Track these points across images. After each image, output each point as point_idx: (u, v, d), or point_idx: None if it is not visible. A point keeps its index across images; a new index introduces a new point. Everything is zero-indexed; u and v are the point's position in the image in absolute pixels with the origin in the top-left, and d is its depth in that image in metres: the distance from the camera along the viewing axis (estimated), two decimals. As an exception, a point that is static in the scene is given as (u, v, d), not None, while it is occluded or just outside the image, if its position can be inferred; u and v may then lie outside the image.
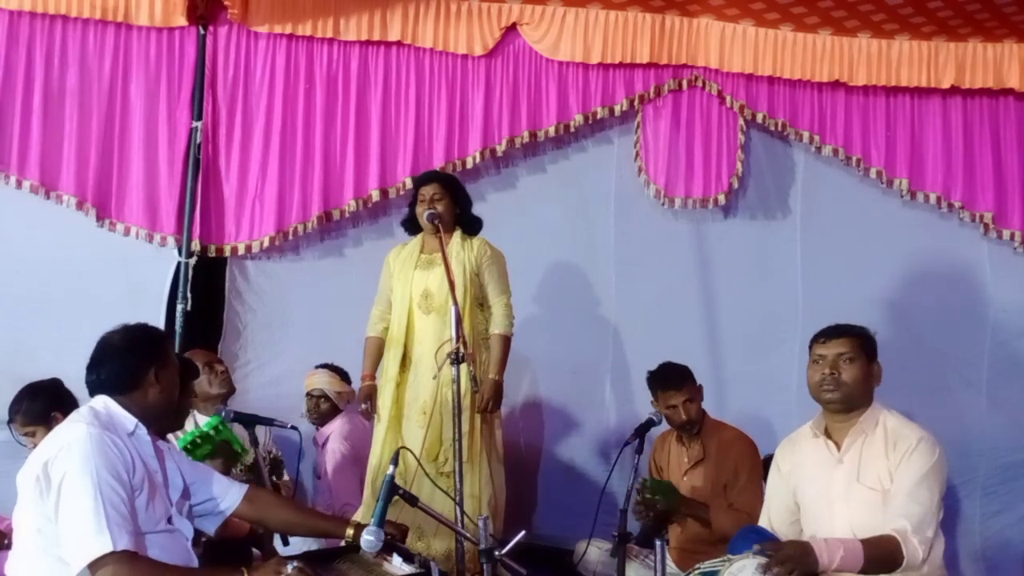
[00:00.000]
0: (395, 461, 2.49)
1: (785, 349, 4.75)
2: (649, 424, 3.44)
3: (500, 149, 4.84)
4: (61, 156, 4.57)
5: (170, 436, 3.24)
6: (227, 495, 2.55)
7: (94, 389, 2.39)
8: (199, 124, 4.68)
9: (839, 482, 2.67)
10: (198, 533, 2.49)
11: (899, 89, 4.86)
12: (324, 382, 4.40)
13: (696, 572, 2.48)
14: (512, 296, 3.98)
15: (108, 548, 2.09)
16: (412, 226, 4.06)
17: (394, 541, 2.43)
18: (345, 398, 4.42)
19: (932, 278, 4.86)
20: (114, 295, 4.54)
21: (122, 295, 4.57)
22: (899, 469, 2.58)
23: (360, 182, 4.77)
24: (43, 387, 3.35)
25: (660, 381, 3.77)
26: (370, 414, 3.97)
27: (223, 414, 3.30)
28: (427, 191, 3.93)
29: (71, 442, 2.19)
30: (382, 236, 4.79)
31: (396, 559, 2.42)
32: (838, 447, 2.72)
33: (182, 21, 4.59)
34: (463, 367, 3.50)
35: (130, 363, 2.36)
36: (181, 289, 4.58)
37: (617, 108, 4.88)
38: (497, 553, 2.45)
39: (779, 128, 4.92)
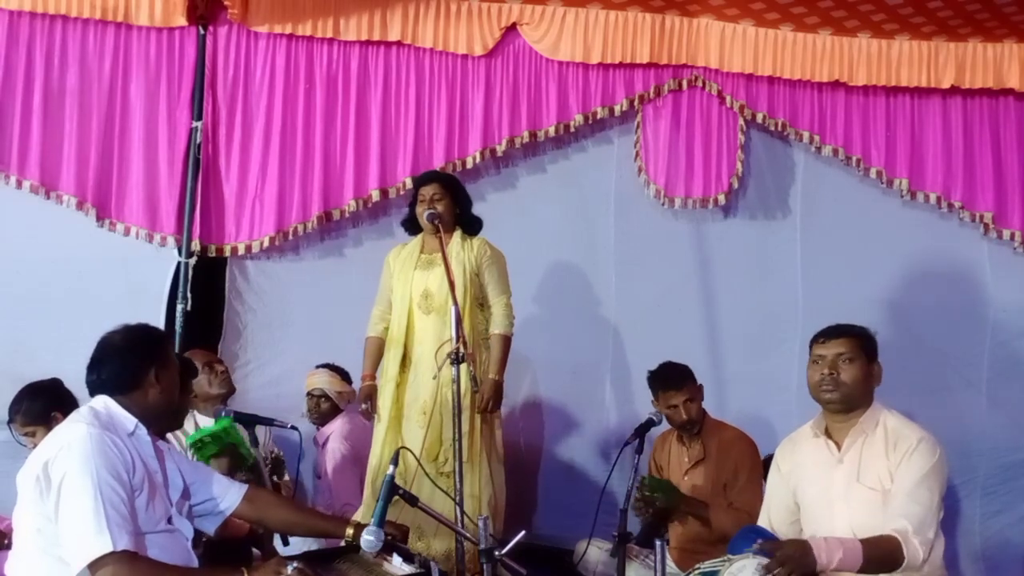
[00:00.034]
0: (395, 461, 2.49)
1: (785, 349, 4.75)
2: (649, 424, 3.45)
3: (500, 149, 4.84)
4: (61, 156, 4.57)
5: (173, 435, 3.25)
6: (227, 495, 2.55)
7: (94, 389, 2.38)
8: (199, 124, 4.68)
9: (839, 482, 2.67)
10: (198, 533, 2.49)
11: (899, 89, 4.86)
12: (324, 382, 4.40)
13: (696, 572, 2.48)
14: (512, 296, 3.98)
15: (108, 548, 2.09)
16: (412, 226, 4.06)
17: (395, 541, 2.43)
18: (346, 398, 4.42)
19: (932, 278, 4.86)
20: (114, 295, 4.54)
21: (122, 295, 4.57)
22: (899, 469, 2.58)
23: (360, 182, 4.77)
24: (43, 387, 3.35)
25: (661, 381, 3.77)
26: (370, 414, 3.97)
27: (223, 414, 3.30)
28: (427, 191, 3.93)
29: (71, 442, 2.19)
30: (382, 236, 4.79)
31: (396, 559, 2.41)
32: (838, 447, 2.72)
33: (182, 21, 4.59)
34: (463, 367, 3.50)
35: (130, 363, 2.36)
36: (181, 289, 4.58)
37: (617, 108, 4.88)
38: (497, 553, 2.44)
39: (779, 128, 4.92)
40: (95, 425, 2.24)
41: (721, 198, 4.89)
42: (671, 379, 3.75)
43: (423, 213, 3.86)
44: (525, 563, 2.49)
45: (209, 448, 3.19)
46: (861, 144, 4.89)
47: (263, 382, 4.74)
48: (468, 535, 2.92)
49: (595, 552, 3.71)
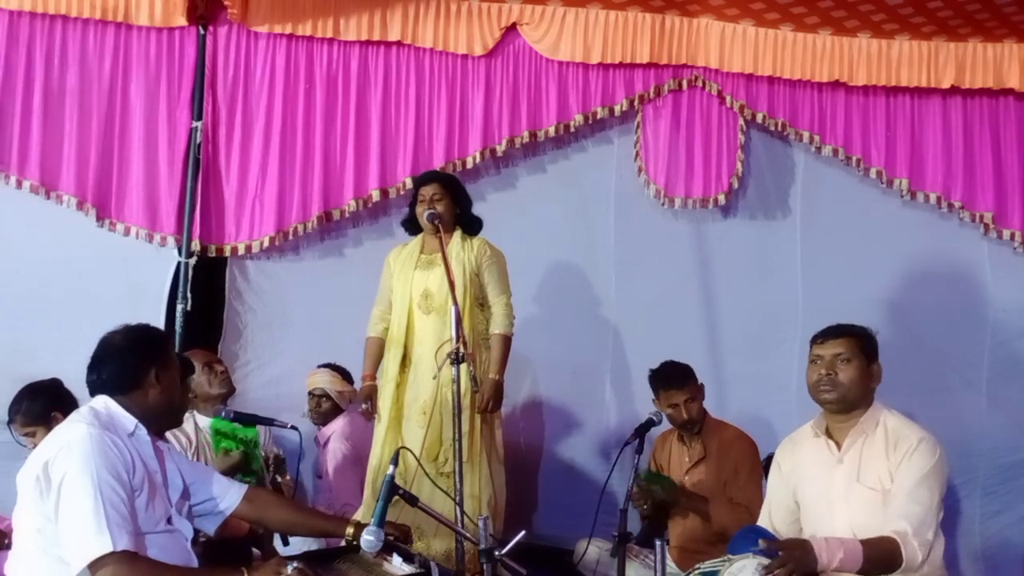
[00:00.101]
0: (395, 461, 2.49)
1: (785, 349, 4.75)
2: (649, 424, 3.45)
3: (500, 149, 4.84)
4: (61, 156, 4.57)
5: (172, 435, 3.25)
6: (227, 495, 2.55)
7: (94, 389, 2.38)
8: (199, 124, 4.68)
9: (839, 482, 2.67)
10: (195, 533, 2.49)
11: (899, 89, 4.86)
12: (325, 381, 4.41)
13: (696, 572, 2.48)
14: (512, 296, 3.98)
15: (108, 548, 2.09)
16: (412, 226, 4.06)
17: (396, 542, 2.43)
18: (346, 397, 4.42)
19: (932, 278, 4.86)
20: (114, 295, 4.54)
21: (122, 295, 4.57)
22: (899, 469, 2.58)
23: (360, 182, 4.77)
24: (43, 387, 3.35)
25: (662, 380, 3.77)
26: (370, 414, 3.97)
27: (223, 414, 3.30)
28: (427, 191, 3.93)
29: (71, 442, 2.19)
30: (382, 236, 4.79)
31: (396, 559, 2.42)
32: (838, 447, 2.72)
33: (182, 21, 4.58)
34: (463, 367, 3.50)
35: (131, 363, 2.37)
36: (181, 289, 4.58)
37: (617, 108, 4.88)
38: (497, 553, 2.44)
39: (779, 128, 4.92)
40: (95, 425, 2.24)
41: (721, 198, 4.89)
42: (672, 378, 3.75)
43: (423, 213, 3.86)
44: (525, 563, 2.49)
45: (226, 442, 3.20)
46: (861, 144, 4.89)
47: (263, 382, 4.74)
48: (468, 535, 2.92)
49: (595, 552, 3.70)
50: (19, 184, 4.53)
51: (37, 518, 2.19)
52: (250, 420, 3.35)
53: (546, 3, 4.75)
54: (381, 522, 2.29)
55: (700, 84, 4.92)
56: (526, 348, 4.43)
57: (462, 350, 3.45)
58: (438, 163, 4.76)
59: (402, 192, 4.75)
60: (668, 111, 4.93)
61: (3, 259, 4.54)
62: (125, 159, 4.65)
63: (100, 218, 4.60)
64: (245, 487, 2.60)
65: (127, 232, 4.64)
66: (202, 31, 4.68)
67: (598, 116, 4.89)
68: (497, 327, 3.90)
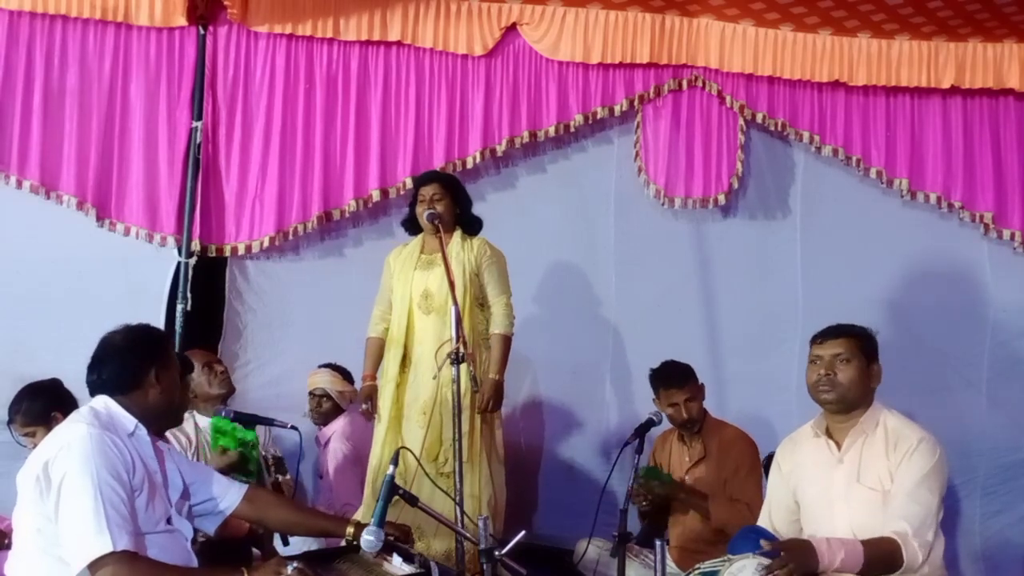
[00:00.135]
0: (395, 461, 2.49)
1: (785, 349, 4.75)
2: (649, 424, 3.45)
3: (500, 149, 4.84)
4: (61, 156, 4.57)
5: (172, 435, 3.25)
6: (226, 495, 2.55)
7: (94, 389, 2.38)
8: (199, 124, 4.68)
9: (839, 482, 2.67)
10: (195, 533, 2.49)
11: (899, 89, 4.86)
12: (326, 381, 4.41)
13: (696, 572, 2.48)
14: (512, 296, 3.98)
15: (108, 548, 2.09)
16: (412, 226, 4.06)
17: (396, 542, 2.43)
18: (347, 397, 4.42)
19: (932, 278, 4.86)
20: (114, 295, 4.54)
21: (122, 295, 4.57)
22: (899, 469, 2.58)
23: (360, 182, 4.77)
24: (43, 387, 3.35)
25: (662, 379, 3.78)
26: (371, 414, 3.97)
27: (223, 414, 3.30)
28: (427, 191, 3.93)
29: (71, 442, 2.19)
30: (382, 236, 4.79)
31: (396, 559, 2.41)
32: (838, 447, 2.72)
33: (182, 21, 4.58)
34: (463, 367, 3.50)
35: (131, 363, 2.36)
36: (181, 289, 4.58)
37: (617, 108, 4.88)
38: (497, 553, 2.44)
39: (779, 128, 4.92)
40: (95, 425, 2.24)
41: (721, 198, 4.89)
42: (673, 377, 3.76)
43: (423, 213, 3.86)
44: (525, 563, 2.49)
45: (224, 440, 3.20)
46: (861, 144, 4.89)
47: (263, 382, 4.74)
48: (468, 535, 2.92)
49: (595, 552, 3.71)
50: (19, 184, 4.53)
51: (37, 518, 2.19)
52: (250, 420, 3.35)
53: (546, 3, 4.75)
54: (381, 522, 2.29)
55: (700, 84, 4.92)
56: (526, 348, 4.43)
57: (462, 350, 3.45)
58: (438, 163, 4.76)
59: (402, 192, 4.75)
60: (668, 111, 4.93)
61: (3, 259, 4.54)
62: (125, 159, 4.65)
63: (100, 218, 4.60)
64: (245, 487, 2.60)
65: (127, 232, 4.64)
66: (202, 31, 4.68)
67: (598, 116, 4.89)
68: (497, 327, 3.90)
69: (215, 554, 2.70)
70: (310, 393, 4.44)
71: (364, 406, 3.99)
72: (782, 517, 2.85)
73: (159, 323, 4.37)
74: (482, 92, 4.82)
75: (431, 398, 3.81)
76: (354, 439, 4.28)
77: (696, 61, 4.85)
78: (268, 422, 3.46)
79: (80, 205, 4.56)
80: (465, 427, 3.60)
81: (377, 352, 4.01)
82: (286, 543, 3.13)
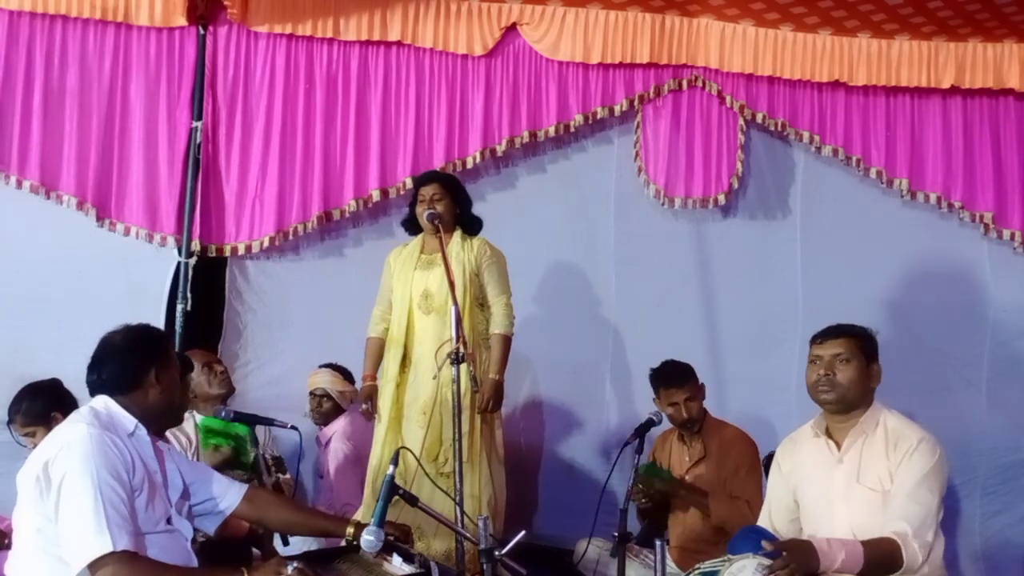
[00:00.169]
0: (395, 461, 2.49)
1: (785, 349, 4.75)
2: (649, 424, 3.44)
3: (500, 149, 4.84)
4: (61, 156, 4.57)
5: (172, 435, 3.26)
6: (227, 495, 2.55)
7: (94, 389, 2.38)
8: (199, 124, 4.68)
9: (839, 482, 2.67)
10: (195, 533, 2.49)
11: (899, 89, 4.86)
12: (326, 381, 4.41)
13: (696, 572, 2.48)
14: (512, 296, 3.98)
15: (108, 548, 2.09)
16: (412, 226, 4.06)
17: (397, 542, 2.43)
18: (348, 397, 4.42)
19: (932, 278, 4.86)
20: (114, 295, 4.54)
21: (122, 295, 4.57)
22: (899, 469, 2.58)
23: (360, 182, 4.77)
24: (43, 387, 3.35)
25: (663, 378, 3.78)
26: (371, 414, 3.97)
27: (223, 414, 3.30)
28: (427, 191, 3.93)
29: (71, 442, 2.19)
30: (382, 236, 4.79)
31: (396, 559, 2.41)
32: (838, 447, 2.72)
33: (182, 21, 4.58)
34: (463, 367, 3.50)
35: (130, 363, 2.36)
36: (181, 289, 4.58)
37: (617, 108, 4.88)
38: (497, 553, 2.44)
39: (779, 128, 4.92)
40: (95, 425, 2.24)
41: (721, 198, 4.89)
42: (673, 376, 3.76)
43: (423, 213, 3.86)
44: (525, 563, 2.49)
45: (217, 439, 3.20)
46: (861, 144, 4.89)
47: (263, 382, 4.74)
48: (468, 535, 2.92)
49: (595, 552, 3.71)
50: (19, 184, 4.53)
51: (37, 518, 2.19)
52: (250, 420, 3.34)
53: (546, 3, 4.75)
54: (381, 522, 2.29)
55: (700, 84, 4.92)
56: (526, 348, 4.43)
57: (462, 350, 3.45)
58: (438, 163, 4.76)
59: (402, 192, 4.75)
60: (668, 111, 4.93)
61: (3, 259, 4.54)
62: (125, 159, 4.65)
63: (100, 218, 4.60)
64: (245, 487, 2.60)
65: (127, 232, 4.64)
66: (202, 31, 4.68)
67: (598, 116, 4.89)
68: (497, 327, 3.90)
69: (215, 554, 2.70)
70: (310, 393, 4.44)
71: (364, 406, 3.99)
72: (782, 517, 2.85)
73: (159, 323, 4.37)
74: (482, 92, 4.82)
75: (431, 398, 3.81)
76: (355, 439, 4.28)
77: (696, 61, 4.85)
78: (268, 422, 3.45)
79: (80, 205, 4.56)
80: (465, 427, 3.60)
81: (377, 352, 4.01)
82: (286, 543, 3.12)
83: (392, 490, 2.40)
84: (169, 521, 2.34)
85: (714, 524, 3.55)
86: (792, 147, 5.01)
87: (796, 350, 4.51)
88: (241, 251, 4.74)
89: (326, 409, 4.41)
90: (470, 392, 3.73)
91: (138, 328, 2.46)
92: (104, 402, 2.35)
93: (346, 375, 4.44)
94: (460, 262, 3.87)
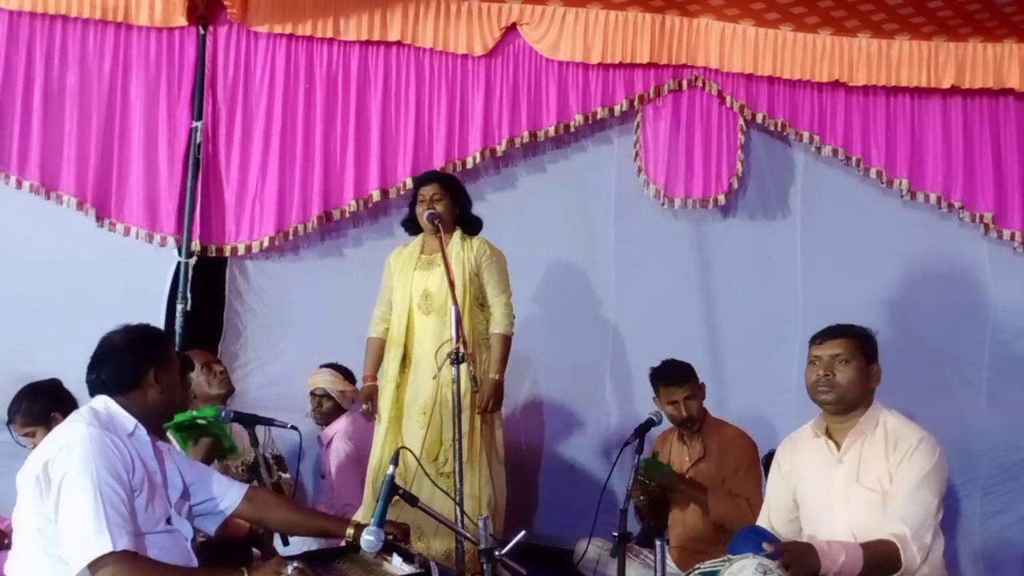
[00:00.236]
0: (395, 461, 2.49)
1: (785, 349, 4.75)
2: (649, 424, 3.44)
3: (500, 149, 4.84)
4: (61, 156, 4.57)
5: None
6: (227, 495, 2.55)
7: (94, 389, 2.39)
8: (199, 124, 4.68)
9: (839, 482, 2.67)
10: (195, 532, 2.49)
11: (899, 89, 4.86)
12: (326, 381, 4.41)
13: (696, 572, 2.47)
14: (512, 296, 3.97)
15: (108, 548, 2.09)
16: (412, 226, 4.06)
17: (395, 541, 2.43)
18: (348, 397, 4.42)
19: (932, 278, 4.86)
20: (114, 295, 4.54)
21: (122, 295, 4.57)
22: (899, 470, 2.58)
23: (360, 182, 4.77)
24: (43, 387, 3.35)
25: (662, 377, 3.79)
26: (371, 415, 3.97)
27: (223, 414, 3.30)
28: (427, 191, 3.93)
29: (71, 442, 2.19)
30: (382, 236, 4.79)
31: (396, 559, 2.42)
32: (838, 447, 2.72)
33: (182, 21, 4.58)
34: (463, 367, 3.50)
35: (130, 363, 2.36)
36: (181, 289, 4.58)
37: (617, 108, 4.88)
38: (497, 553, 2.44)
39: (779, 128, 4.92)
40: (95, 425, 2.24)
41: (721, 198, 4.89)
42: (673, 375, 3.76)
43: (423, 213, 3.86)
44: (525, 563, 2.49)
45: (186, 432, 3.17)
46: (861, 144, 4.89)
47: (263, 382, 4.74)
48: (468, 535, 2.92)
49: (595, 552, 3.71)
50: (19, 184, 4.53)
51: (37, 518, 2.20)
52: (250, 420, 3.34)
53: (546, 3, 4.75)
54: (381, 522, 2.29)
55: (700, 84, 4.92)
56: (526, 348, 4.43)
57: (462, 350, 3.45)
58: (438, 163, 4.76)
59: (402, 192, 4.75)
60: (668, 111, 4.93)
61: (3, 259, 4.54)
62: (125, 159, 4.65)
63: (100, 218, 4.60)
64: (246, 487, 2.60)
65: (127, 232, 4.64)
66: (202, 31, 4.68)
67: (598, 116, 4.89)
68: (497, 327, 3.90)
69: (215, 554, 2.70)
70: (311, 393, 4.44)
71: (364, 406, 3.99)
72: (780, 516, 2.86)
73: (159, 323, 4.37)
74: (482, 92, 4.82)
75: (431, 398, 3.81)
76: (356, 439, 4.28)
77: (696, 61, 4.85)
78: (268, 422, 3.45)
79: (80, 205, 4.56)
80: (465, 427, 3.60)
81: (378, 352, 4.01)
82: (286, 543, 3.12)
83: (392, 490, 2.41)
84: (169, 521, 2.35)
85: (713, 521, 3.56)
86: (792, 147, 5.00)
87: (796, 350, 4.51)
88: (241, 251, 4.74)
89: (326, 409, 4.41)
90: (470, 392, 3.73)
91: (138, 328, 2.47)
92: (104, 402, 2.35)
93: (346, 375, 4.44)
94: (460, 262, 3.87)
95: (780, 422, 4.22)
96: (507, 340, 3.90)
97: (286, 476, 3.88)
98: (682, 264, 4.98)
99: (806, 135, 4.90)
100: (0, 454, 3.61)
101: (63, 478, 2.15)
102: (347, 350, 4.36)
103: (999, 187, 4.85)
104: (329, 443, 4.36)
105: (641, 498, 3.64)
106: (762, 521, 2.91)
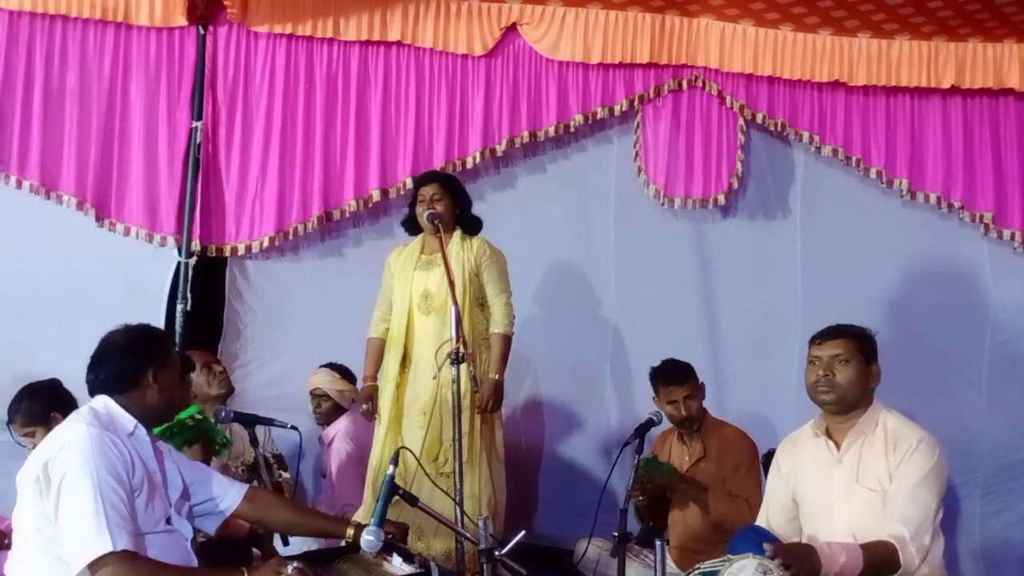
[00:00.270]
0: (395, 461, 2.49)
1: (785, 349, 4.75)
2: (649, 424, 3.45)
3: (500, 149, 4.84)
4: (61, 156, 4.57)
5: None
6: (227, 495, 2.55)
7: (94, 389, 2.39)
8: (199, 124, 4.68)
9: (839, 482, 2.67)
10: (194, 533, 2.49)
11: (899, 89, 4.86)
12: (325, 381, 4.41)
13: (696, 572, 2.47)
14: (512, 296, 3.97)
15: (108, 548, 2.09)
16: (412, 226, 4.06)
17: (395, 541, 2.43)
18: (348, 397, 4.42)
19: (932, 278, 4.86)
20: (114, 295, 4.54)
21: (122, 295, 4.57)
22: (899, 470, 2.58)
23: (360, 182, 4.77)
24: (43, 387, 3.35)
25: (662, 376, 3.79)
26: (371, 415, 3.97)
27: (223, 414, 3.30)
28: (427, 191, 3.93)
29: (71, 442, 2.19)
30: (382, 236, 4.79)
31: (396, 559, 2.42)
32: (838, 447, 2.72)
33: (182, 21, 4.58)
34: (463, 367, 3.50)
35: (129, 363, 2.37)
36: (181, 289, 4.58)
37: (617, 108, 4.88)
38: (497, 553, 2.44)
39: (779, 128, 4.92)
40: (95, 425, 2.24)
41: (721, 198, 4.89)
42: (673, 375, 3.76)
43: (423, 213, 3.86)
44: (525, 563, 2.49)
45: (178, 437, 3.18)
46: (861, 144, 4.89)
47: (263, 382, 4.74)
48: (468, 535, 2.92)
49: (595, 552, 3.71)
50: (19, 184, 4.52)
51: (37, 518, 2.20)
52: (250, 420, 3.35)
53: (546, 3, 4.75)
54: (381, 522, 2.29)
55: (700, 84, 4.92)
56: (526, 348, 4.43)
57: (462, 350, 3.45)
58: (438, 163, 4.76)
59: (402, 192, 4.75)
60: (668, 111, 4.93)
61: (3, 259, 4.54)
62: (125, 159, 4.64)
63: (100, 218, 4.60)
64: (246, 487, 2.60)
65: (127, 232, 4.64)
66: (202, 31, 4.68)
67: (598, 116, 4.89)
68: (497, 327, 3.90)
69: (215, 554, 2.70)
70: (311, 393, 4.44)
71: (365, 406, 3.99)
72: (780, 517, 2.86)
73: (159, 323, 4.37)
74: (482, 92, 4.82)
75: (431, 398, 3.81)
76: (357, 439, 4.28)
77: (696, 61, 4.85)
78: (268, 422, 3.45)
79: (80, 205, 4.56)
80: (465, 427, 3.60)
81: (378, 352, 4.01)
82: (286, 543, 3.13)
83: (392, 490, 2.41)
84: (169, 521, 2.35)
85: (713, 521, 3.56)
86: (792, 147, 5.00)
87: (796, 350, 4.51)
88: (241, 251, 4.74)
89: (325, 409, 4.41)
90: (470, 392, 3.73)
91: (138, 328, 2.47)
92: (104, 402, 2.35)
93: (345, 374, 4.44)
94: (460, 262, 3.87)
95: (780, 422, 4.23)
96: (507, 340, 3.90)
97: (286, 476, 3.89)
98: (682, 264, 4.98)
99: (806, 135, 4.90)
100: (0, 454, 3.61)
101: (63, 478, 2.15)
102: (347, 350, 4.36)
103: (999, 187, 4.85)
104: (330, 443, 4.36)
105: (641, 498, 3.65)
106: (761, 521, 2.91)
